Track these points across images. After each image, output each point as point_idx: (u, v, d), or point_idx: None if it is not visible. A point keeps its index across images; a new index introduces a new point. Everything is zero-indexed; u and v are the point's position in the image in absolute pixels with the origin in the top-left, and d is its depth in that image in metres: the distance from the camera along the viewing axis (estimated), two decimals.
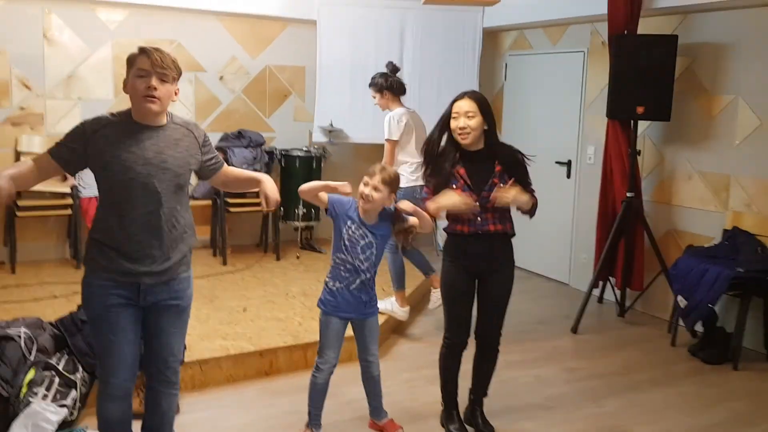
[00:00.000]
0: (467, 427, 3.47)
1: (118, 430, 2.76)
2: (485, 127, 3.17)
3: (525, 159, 3.26)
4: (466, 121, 3.12)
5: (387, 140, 4.81)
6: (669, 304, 5.11)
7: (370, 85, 4.96)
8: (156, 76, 2.46)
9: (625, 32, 5.09)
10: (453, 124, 3.17)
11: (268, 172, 6.31)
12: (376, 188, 3.08)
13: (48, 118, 5.91)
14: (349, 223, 3.14)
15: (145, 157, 2.49)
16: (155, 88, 2.46)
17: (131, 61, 2.51)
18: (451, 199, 3.07)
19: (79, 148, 2.49)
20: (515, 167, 3.23)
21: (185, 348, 3.49)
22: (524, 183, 3.24)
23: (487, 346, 3.41)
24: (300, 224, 6.38)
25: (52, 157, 2.50)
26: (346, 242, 3.13)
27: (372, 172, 3.11)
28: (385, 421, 3.46)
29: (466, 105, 3.14)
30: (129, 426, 2.80)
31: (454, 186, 3.15)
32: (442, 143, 3.25)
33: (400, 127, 4.78)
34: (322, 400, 3.29)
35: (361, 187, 3.11)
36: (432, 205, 3.11)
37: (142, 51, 2.50)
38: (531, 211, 3.22)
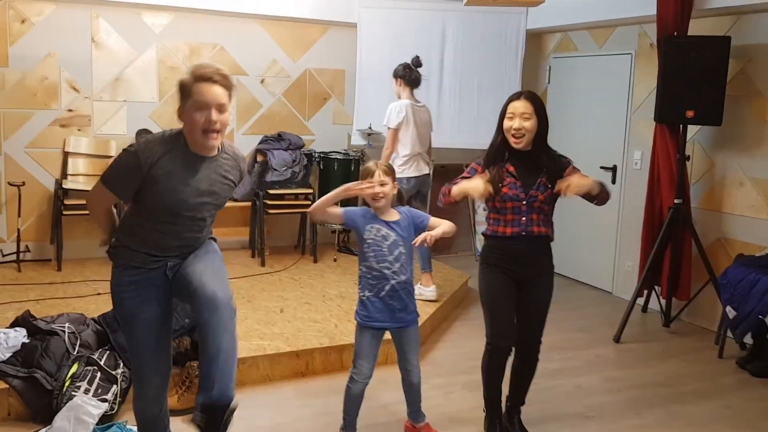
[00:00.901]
0: None
1: (156, 425, 2.76)
2: (538, 130, 3.09)
3: (572, 163, 3.19)
4: (522, 122, 3.04)
5: (387, 127, 5.10)
6: (716, 314, 4.93)
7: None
8: (215, 108, 2.37)
9: (675, 33, 4.95)
10: (507, 124, 3.08)
11: (306, 174, 6.33)
12: (382, 183, 3.08)
13: (95, 119, 6.02)
14: (369, 227, 3.11)
15: (199, 189, 2.47)
16: (216, 122, 2.38)
17: (186, 91, 2.40)
18: (473, 183, 3.01)
19: (134, 180, 2.40)
20: (561, 173, 3.14)
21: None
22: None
23: (527, 354, 3.31)
24: (338, 227, 6.37)
25: (109, 189, 2.47)
26: (372, 247, 3.10)
27: (370, 171, 3.11)
28: (422, 424, 3.40)
29: (522, 106, 3.06)
30: (165, 424, 2.80)
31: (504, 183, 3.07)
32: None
33: (399, 117, 5.01)
34: (356, 407, 3.26)
35: (369, 191, 3.08)
36: (455, 189, 3.07)
37: (200, 78, 2.37)
38: (602, 196, 3.04)
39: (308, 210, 3.09)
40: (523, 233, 3.11)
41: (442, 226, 3.13)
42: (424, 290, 5.01)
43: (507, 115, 3.09)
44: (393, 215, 3.16)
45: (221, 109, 2.39)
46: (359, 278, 3.19)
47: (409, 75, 5.14)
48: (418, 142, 5.13)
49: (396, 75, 5.16)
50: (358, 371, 3.17)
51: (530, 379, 3.39)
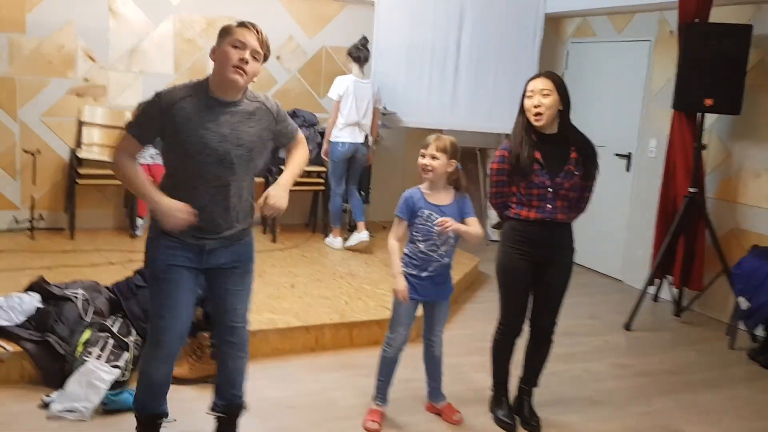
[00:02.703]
0: (514, 416, 3.39)
1: (159, 390, 2.79)
2: (560, 108, 3.06)
3: (598, 162, 3.18)
4: (541, 99, 3.01)
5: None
6: (729, 305, 4.92)
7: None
8: (250, 51, 2.47)
9: (696, 21, 4.89)
10: (527, 103, 3.06)
11: (319, 153, 6.30)
12: (433, 156, 3.07)
13: (110, 90, 6.02)
14: (420, 212, 3.11)
15: (221, 133, 2.49)
16: (247, 62, 2.45)
17: (227, 30, 2.50)
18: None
19: (156, 122, 2.48)
20: (591, 160, 3.14)
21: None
22: (591, 178, 3.17)
23: (542, 335, 3.32)
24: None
25: (131, 134, 2.53)
26: (421, 230, 3.10)
27: (426, 143, 3.12)
28: (443, 404, 3.43)
29: (541, 83, 3.04)
30: (168, 387, 2.82)
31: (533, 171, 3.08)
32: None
33: (340, 90, 5.82)
34: (390, 373, 3.29)
35: (420, 160, 3.11)
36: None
37: (243, 24, 2.50)
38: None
39: (389, 245, 3.18)
40: (548, 220, 3.11)
41: (472, 227, 3.13)
42: (334, 241, 5.99)
43: (527, 95, 3.07)
44: (445, 198, 3.15)
45: (255, 55, 2.48)
46: (404, 255, 3.19)
47: (355, 53, 5.89)
48: (355, 112, 5.84)
49: (347, 53, 5.93)
50: (395, 337, 3.22)
51: (544, 361, 3.39)
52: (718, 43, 4.73)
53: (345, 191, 6.03)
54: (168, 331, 2.64)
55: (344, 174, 5.98)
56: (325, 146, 6.00)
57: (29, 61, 5.71)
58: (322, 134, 6.42)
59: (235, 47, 2.45)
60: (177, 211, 2.47)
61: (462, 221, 3.14)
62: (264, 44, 2.53)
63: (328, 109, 6.71)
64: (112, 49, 5.97)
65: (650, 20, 5.86)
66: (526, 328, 3.33)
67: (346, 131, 5.87)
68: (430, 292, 3.19)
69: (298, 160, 2.79)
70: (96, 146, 5.93)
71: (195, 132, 2.47)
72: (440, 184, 3.14)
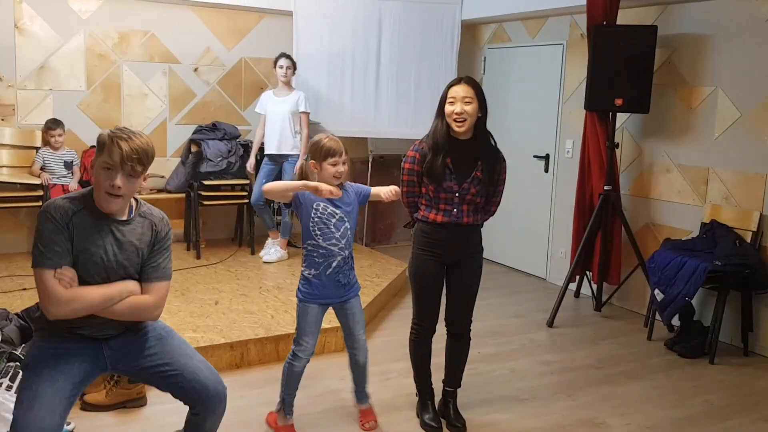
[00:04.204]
0: (440, 419, 3.41)
1: None
2: (479, 115, 3.11)
3: (505, 170, 3.24)
4: (463, 106, 3.05)
5: (307, 113, 5.89)
6: (646, 298, 5.08)
7: (293, 61, 5.85)
8: (123, 173, 2.27)
9: (604, 23, 5.05)
10: (448, 108, 3.09)
11: (242, 165, 6.23)
12: (344, 162, 3.08)
13: (20, 109, 5.79)
14: (315, 204, 3.08)
15: (108, 252, 2.33)
16: (119, 187, 2.27)
17: (100, 146, 2.30)
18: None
19: (64, 236, 2.26)
20: (497, 169, 3.20)
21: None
22: (494, 192, 3.23)
23: (459, 333, 3.37)
24: (276, 218, 6.29)
25: (49, 269, 2.24)
26: (318, 224, 3.08)
27: (337, 151, 3.07)
28: (363, 406, 3.42)
29: (463, 90, 3.07)
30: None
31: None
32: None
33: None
34: (296, 387, 3.25)
35: (334, 169, 3.07)
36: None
37: (114, 141, 2.26)
38: None
39: (265, 188, 3.03)
40: (453, 223, 3.16)
41: (391, 187, 3.15)
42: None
43: (448, 101, 3.10)
44: (339, 193, 3.13)
45: (131, 173, 2.28)
46: (304, 257, 3.16)
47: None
48: None
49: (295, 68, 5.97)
50: (303, 348, 3.16)
51: (464, 360, 3.43)
52: (625, 44, 4.90)
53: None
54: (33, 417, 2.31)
55: None
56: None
57: None
58: (244, 146, 6.35)
59: (106, 169, 2.26)
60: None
61: (368, 197, 3.20)
62: (142, 158, 2.28)
63: (250, 122, 6.64)
64: (19, 67, 5.75)
65: (562, 24, 6.02)
66: (441, 329, 3.36)
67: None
68: (334, 293, 3.15)
69: (130, 300, 2.38)
70: (5, 168, 5.69)
71: (85, 250, 2.30)
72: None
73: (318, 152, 3.09)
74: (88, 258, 2.31)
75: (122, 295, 2.35)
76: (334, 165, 3.08)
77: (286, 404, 3.25)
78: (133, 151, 2.26)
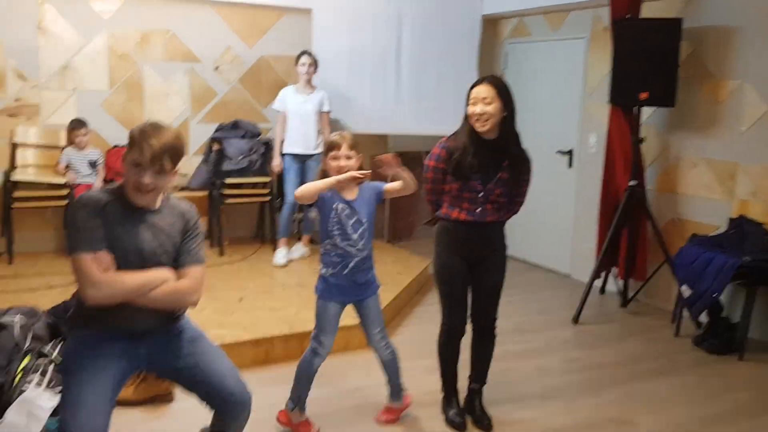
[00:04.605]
0: (466, 415, 3.40)
1: None
2: (504, 114, 3.08)
3: (531, 171, 3.22)
4: (484, 107, 3.03)
5: (329, 113, 5.88)
6: (672, 294, 5.02)
7: (314, 59, 5.79)
8: (152, 170, 2.28)
9: (628, 16, 4.99)
10: (470, 109, 3.08)
11: (264, 163, 6.24)
12: (348, 156, 3.04)
13: (43, 109, 5.84)
14: (335, 205, 3.08)
15: (143, 240, 2.35)
16: (147, 185, 2.29)
17: (130, 141, 2.31)
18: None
19: (97, 222, 2.28)
20: (523, 172, 3.18)
21: None
22: (518, 192, 3.22)
23: (484, 331, 3.35)
24: (297, 215, 6.30)
25: (86, 252, 2.25)
26: (336, 225, 3.07)
27: (336, 144, 3.05)
28: (390, 405, 3.43)
29: (483, 91, 3.06)
30: None
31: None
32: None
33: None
34: (310, 384, 3.26)
35: (334, 163, 3.05)
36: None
37: (144, 137, 2.27)
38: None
39: (297, 195, 3.03)
40: (476, 221, 3.15)
41: (393, 185, 3.09)
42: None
43: (470, 101, 3.09)
44: (352, 192, 3.12)
45: (159, 171, 2.30)
46: (322, 255, 3.16)
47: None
48: None
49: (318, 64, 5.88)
50: (322, 345, 3.17)
51: (490, 357, 3.41)
52: (650, 37, 4.83)
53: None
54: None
55: None
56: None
57: None
58: (266, 144, 6.37)
59: (136, 166, 2.28)
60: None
61: (382, 194, 3.15)
62: (170, 155, 2.30)
63: (271, 120, 6.65)
64: (43, 68, 5.80)
65: (584, 18, 5.96)
66: (468, 326, 3.35)
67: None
68: (351, 292, 3.15)
69: (170, 286, 2.39)
70: (31, 168, 5.75)
71: (118, 239, 2.31)
72: (353, 186, 3.12)
73: (324, 150, 3.11)
74: (123, 247, 2.32)
75: (158, 281, 2.35)
76: (335, 159, 3.06)
77: (300, 402, 3.26)
78: (162, 149, 2.27)
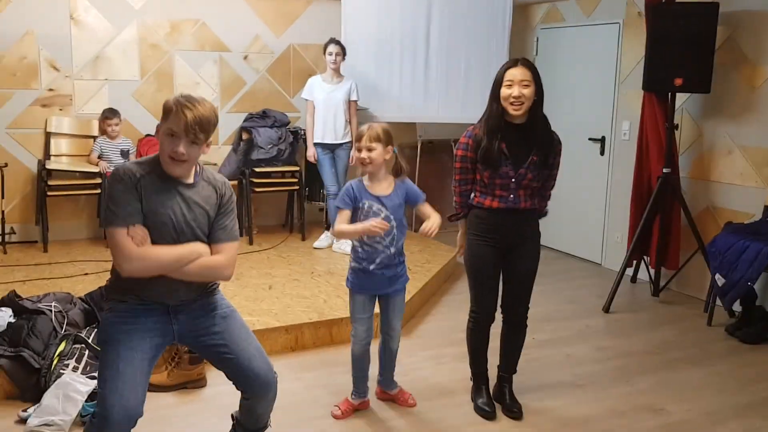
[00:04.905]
0: (496, 404, 3.39)
1: None
2: (535, 98, 3.04)
3: (560, 153, 3.18)
4: (521, 89, 2.98)
5: (356, 102, 5.87)
6: (705, 283, 4.94)
7: (342, 47, 5.76)
8: (186, 140, 2.30)
9: (663, 1, 4.90)
10: (505, 92, 3.02)
11: (292, 152, 6.27)
12: (369, 148, 3.05)
13: (76, 99, 5.93)
14: (364, 200, 3.11)
15: (178, 213, 2.37)
16: (182, 154, 2.30)
17: (165, 112, 2.33)
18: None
19: (134, 196, 2.30)
20: (552, 154, 3.14)
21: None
22: (548, 176, 3.18)
23: (515, 320, 3.33)
24: (325, 205, 6.32)
25: (122, 227, 2.28)
26: (365, 221, 3.08)
27: (359, 135, 3.09)
28: (395, 391, 3.46)
29: (521, 73, 3.00)
30: None
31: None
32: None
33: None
34: (361, 368, 3.31)
35: (355, 155, 3.11)
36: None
37: (179, 108, 2.29)
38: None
39: (337, 233, 3.14)
40: (510, 208, 3.12)
41: (431, 219, 3.11)
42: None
43: (505, 83, 3.02)
44: (385, 188, 3.13)
45: (194, 141, 2.31)
46: (352, 250, 3.21)
47: None
48: None
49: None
50: (356, 333, 3.24)
51: (520, 347, 3.40)
52: (685, 22, 4.74)
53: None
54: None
55: None
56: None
57: None
58: (294, 133, 6.39)
59: (170, 136, 2.30)
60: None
61: (414, 205, 3.18)
62: (205, 125, 2.31)
63: (299, 109, 6.67)
64: (75, 58, 5.88)
65: (618, 2, 5.86)
66: (498, 315, 3.33)
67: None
68: (383, 284, 3.19)
69: (202, 260, 2.41)
70: (65, 157, 5.85)
71: (154, 211, 2.33)
72: (380, 173, 3.13)
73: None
74: (158, 219, 2.34)
75: (192, 256, 2.37)
76: (357, 151, 3.09)
77: (355, 384, 3.33)
78: (196, 120, 2.28)
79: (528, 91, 2.99)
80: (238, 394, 2.72)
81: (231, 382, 2.62)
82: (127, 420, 2.30)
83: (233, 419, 2.80)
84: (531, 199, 3.15)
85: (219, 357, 2.56)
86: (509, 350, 3.39)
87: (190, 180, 2.43)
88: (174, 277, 2.37)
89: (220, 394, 3.42)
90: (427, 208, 3.17)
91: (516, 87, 2.99)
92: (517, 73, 3.00)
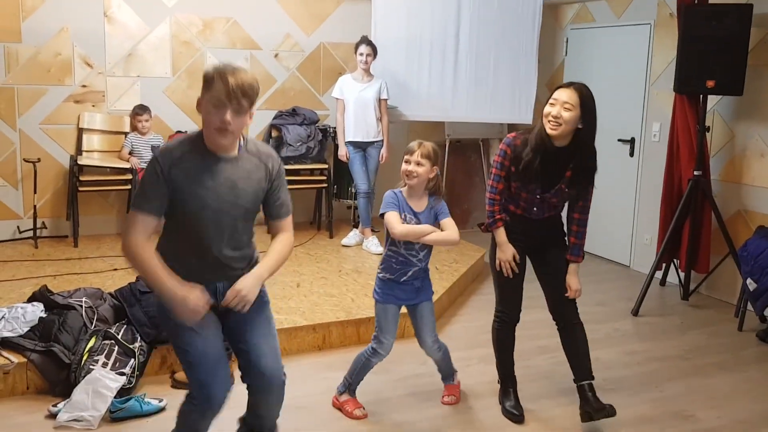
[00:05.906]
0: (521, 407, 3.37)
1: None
2: (579, 126, 3.01)
3: (593, 183, 3.17)
4: (561, 111, 2.97)
5: (386, 100, 5.90)
6: (736, 287, 4.88)
7: (374, 47, 5.77)
8: (231, 109, 2.26)
9: (696, 1, 4.83)
10: (547, 109, 3.03)
11: (321, 150, 6.29)
12: (418, 163, 3.09)
13: (109, 95, 6.00)
14: (404, 213, 3.14)
15: (218, 193, 2.36)
16: (229, 123, 2.27)
17: (207, 82, 2.30)
18: (506, 254, 3.17)
19: (162, 187, 2.31)
20: (582, 188, 3.14)
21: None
22: (584, 198, 3.18)
23: (568, 321, 3.29)
24: (353, 202, 6.34)
25: (140, 209, 2.31)
26: None
27: (411, 149, 3.12)
28: (448, 383, 3.53)
29: (566, 95, 2.98)
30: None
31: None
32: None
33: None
34: (363, 377, 3.36)
35: (404, 166, 3.13)
36: (499, 239, 3.22)
37: (220, 76, 2.26)
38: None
39: (400, 235, 3.10)
40: (533, 218, 3.18)
41: (446, 231, 3.16)
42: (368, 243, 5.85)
43: (550, 101, 3.03)
44: (421, 203, 3.18)
45: (238, 110, 2.28)
46: (384, 259, 3.23)
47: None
48: None
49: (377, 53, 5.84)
50: (384, 345, 3.24)
51: (585, 347, 3.30)
52: (718, 23, 4.67)
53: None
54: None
55: None
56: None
57: (26, 70, 5.70)
58: (323, 131, 6.41)
59: (215, 107, 2.27)
60: (193, 303, 2.28)
61: (436, 224, 3.18)
62: (248, 92, 2.29)
63: (329, 107, 6.68)
64: (109, 55, 5.95)
65: (649, 3, 5.80)
66: (552, 325, 3.34)
67: None
68: (408, 296, 3.23)
69: (280, 249, 2.53)
70: (96, 152, 5.93)
71: (195, 192, 2.33)
72: (420, 190, 3.16)
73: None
74: (197, 199, 2.34)
75: (155, 283, 2.30)
76: (406, 162, 3.12)
77: (350, 389, 3.35)
78: (238, 86, 2.25)
79: (568, 115, 2.96)
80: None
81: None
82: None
83: (239, 422, 2.78)
84: (554, 210, 3.19)
85: (236, 344, 2.55)
86: (576, 355, 3.29)
87: (234, 152, 2.41)
88: (212, 261, 2.42)
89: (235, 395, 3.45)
90: (448, 224, 3.18)
91: (558, 107, 2.98)
92: (563, 94, 2.99)
